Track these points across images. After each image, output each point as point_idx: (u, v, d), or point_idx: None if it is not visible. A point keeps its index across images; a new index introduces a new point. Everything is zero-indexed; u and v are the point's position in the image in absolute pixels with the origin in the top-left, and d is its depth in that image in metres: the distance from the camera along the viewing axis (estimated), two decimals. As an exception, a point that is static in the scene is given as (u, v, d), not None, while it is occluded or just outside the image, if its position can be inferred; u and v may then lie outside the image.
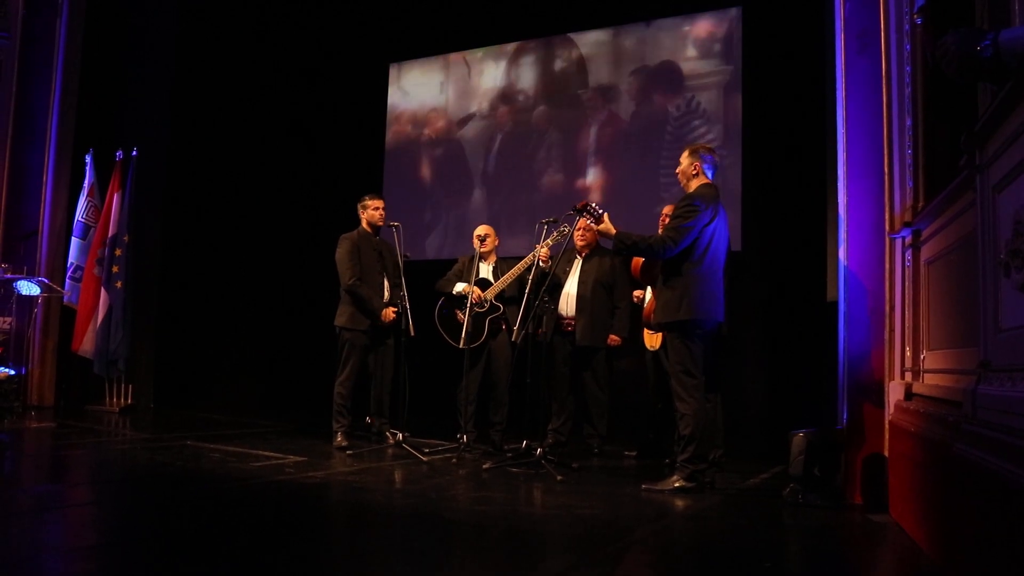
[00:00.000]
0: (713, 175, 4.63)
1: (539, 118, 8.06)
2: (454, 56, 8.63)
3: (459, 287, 5.89)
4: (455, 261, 6.21)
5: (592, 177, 7.69)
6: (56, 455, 5.30)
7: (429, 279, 6.17)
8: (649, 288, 5.34)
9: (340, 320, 5.89)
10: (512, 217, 7.98)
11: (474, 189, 8.35)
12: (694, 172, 4.59)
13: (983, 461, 2.39)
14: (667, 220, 5.46)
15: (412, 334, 5.68)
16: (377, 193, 6.31)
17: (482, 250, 5.96)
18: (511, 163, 8.16)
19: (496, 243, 6.08)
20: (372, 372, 6.02)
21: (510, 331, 5.75)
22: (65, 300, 7.91)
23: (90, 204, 8.10)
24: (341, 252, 5.90)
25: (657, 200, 6.87)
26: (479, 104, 8.44)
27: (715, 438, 5.00)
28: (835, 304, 4.62)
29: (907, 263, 4.08)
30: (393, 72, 9.01)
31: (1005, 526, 2.18)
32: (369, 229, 6.02)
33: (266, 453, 5.29)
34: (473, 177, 8.38)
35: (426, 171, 8.68)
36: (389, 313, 5.84)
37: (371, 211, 6.02)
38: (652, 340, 5.59)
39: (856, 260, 4.41)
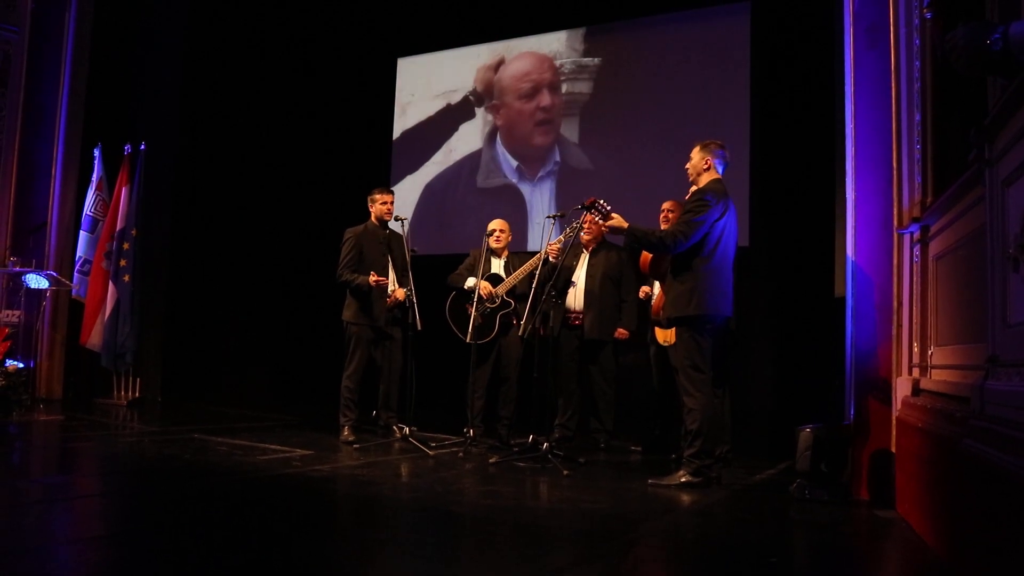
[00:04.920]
0: (723, 170, 4.61)
1: (551, 110, 8.05)
2: (462, 50, 8.63)
3: (471, 282, 5.89)
4: (464, 255, 6.20)
5: (601, 170, 7.68)
6: (64, 447, 5.32)
7: (436, 273, 6.18)
8: (657, 284, 5.33)
9: (347, 314, 5.91)
10: (521, 211, 7.98)
11: (484, 183, 8.35)
12: (705, 167, 4.58)
13: (991, 456, 2.39)
14: (669, 215, 5.48)
15: (419, 328, 5.68)
16: (386, 187, 6.33)
17: (495, 245, 5.96)
18: (519, 156, 8.15)
19: (509, 238, 6.07)
20: (379, 366, 6.03)
21: (519, 326, 5.75)
22: (73, 293, 7.95)
23: (98, 198, 8.13)
24: (342, 246, 5.93)
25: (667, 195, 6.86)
26: (486, 97, 8.43)
27: (722, 434, 5.00)
28: (843, 300, 4.61)
29: (915, 258, 4.07)
30: (401, 66, 9.01)
31: (1013, 522, 2.18)
32: (377, 223, 6.04)
33: (273, 446, 5.31)
34: (482, 171, 8.37)
35: (433, 165, 8.68)
36: (399, 293, 5.87)
37: (379, 205, 6.02)
38: (665, 335, 5.53)
39: (864, 255, 4.40)
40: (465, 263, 6.10)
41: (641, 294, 5.75)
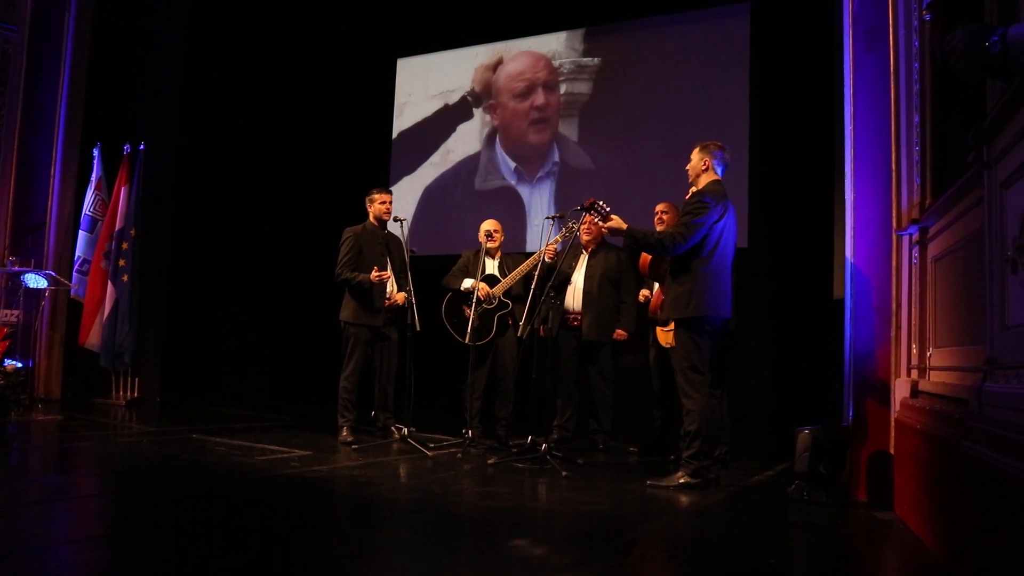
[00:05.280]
0: (723, 172, 4.61)
1: (546, 109, 8.05)
2: (462, 50, 8.63)
3: (467, 283, 5.89)
4: (460, 256, 6.21)
5: (601, 170, 7.68)
6: (63, 447, 5.32)
7: (435, 274, 6.18)
8: (656, 285, 5.34)
9: (344, 314, 5.91)
10: (520, 213, 7.98)
11: (482, 185, 8.34)
12: (704, 168, 4.58)
13: (989, 458, 2.39)
14: (664, 217, 5.49)
15: (418, 329, 5.68)
16: (384, 187, 6.33)
17: (489, 245, 5.96)
18: (517, 157, 8.15)
19: (503, 239, 6.08)
20: (377, 367, 6.03)
21: (517, 327, 5.75)
22: (72, 293, 7.94)
23: (97, 198, 8.13)
24: (341, 245, 5.94)
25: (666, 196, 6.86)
26: (484, 97, 8.43)
27: (721, 435, 5.00)
28: (842, 301, 4.61)
29: (914, 260, 4.07)
30: (400, 66, 9.01)
31: (1011, 524, 2.18)
32: (376, 223, 6.04)
33: (271, 447, 5.30)
34: (480, 173, 8.37)
35: (432, 166, 8.68)
36: (399, 297, 5.87)
37: (377, 205, 6.03)
38: (667, 337, 5.53)
39: (863, 257, 4.40)
40: (458, 264, 6.11)
41: (640, 297, 5.75)
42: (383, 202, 6.03)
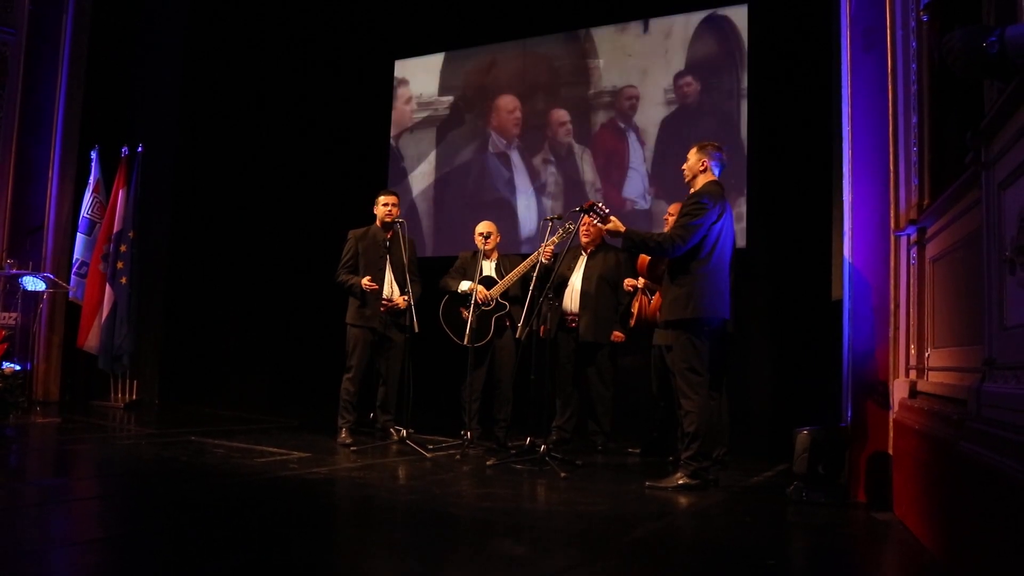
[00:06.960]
0: (720, 173, 4.61)
1: (545, 115, 8.05)
2: (459, 52, 8.62)
3: (464, 286, 5.89)
4: (455, 258, 6.20)
5: (599, 175, 7.68)
6: (61, 450, 5.31)
7: (433, 276, 6.18)
8: (641, 279, 5.34)
9: (347, 316, 5.92)
10: (515, 213, 7.98)
11: (477, 192, 8.34)
12: (702, 168, 4.58)
13: (988, 459, 2.39)
14: (671, 219, 5.48)
15: (416, 331, 5.68)
16: (388, 189, 6.34)
17: (485, 247, 5.96)
18: (513, 164, 8.14)
19: (498, 240, 6.08)
20: (378, 369, 6.03)
21: (514, 328, 5.75)
22: (70, 296, 7.93)
23: (95, 200, 8.12)
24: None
25: (664, 199, 6.86)
26: (482, 100, 8.43)
27: (720, 436, 5.00)
28: (840, 302, 4.61)
29: (912, 261, 4.07)
30: (399, 68, 9.01)
31: (1009, 524, 2.18)
32: (380, 225, 6.04)
33: (271, 449, 5.30)
34: (475, 179, 8.36)
35: (430, 167, 8.67)
36: (399, 300, 5.86)
37: (380, 207, 6.03)
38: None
39: (861, 258, 4.40)
40: (455, 266, 6.12)
41: (626, 286, 5.72)
42: (384, 204, 6.02)
